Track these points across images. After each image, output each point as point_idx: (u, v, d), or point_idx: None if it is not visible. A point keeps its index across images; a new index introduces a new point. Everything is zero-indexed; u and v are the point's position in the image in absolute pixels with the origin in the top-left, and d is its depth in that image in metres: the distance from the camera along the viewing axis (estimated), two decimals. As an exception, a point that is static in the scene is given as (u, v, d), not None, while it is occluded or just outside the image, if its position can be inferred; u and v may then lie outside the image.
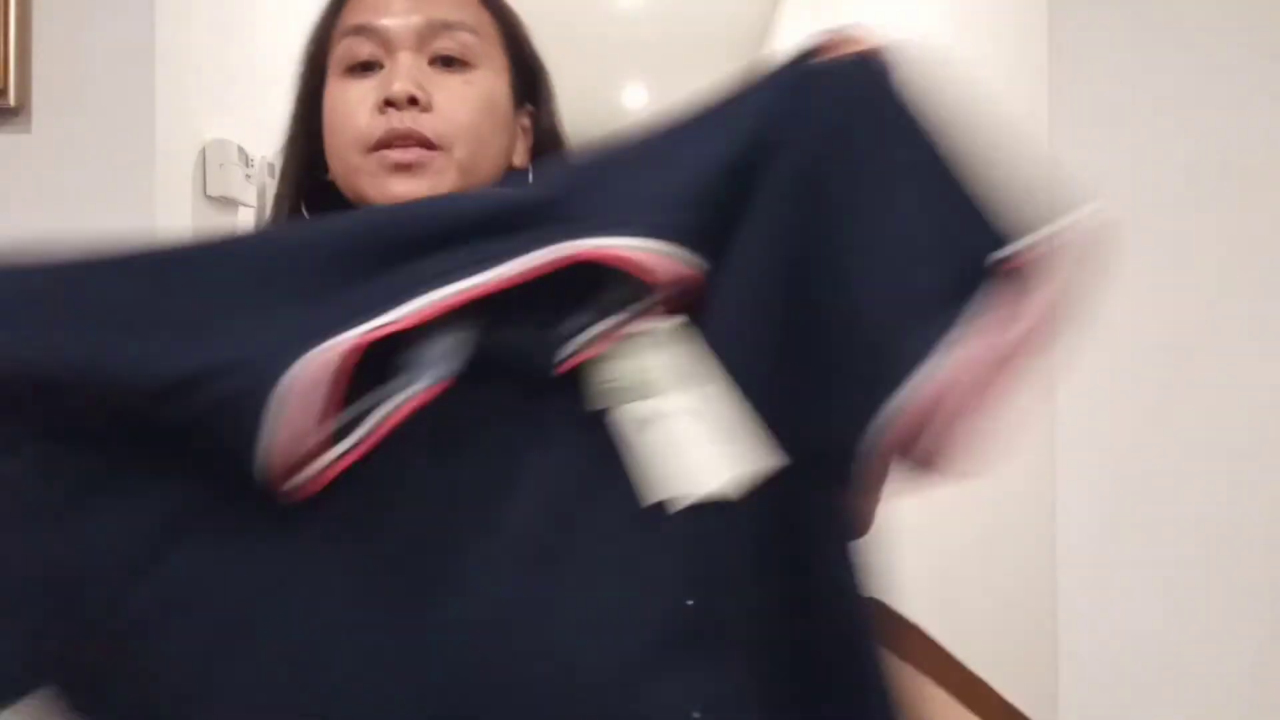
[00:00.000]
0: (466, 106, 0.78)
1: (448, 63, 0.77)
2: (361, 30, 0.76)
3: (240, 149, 1.48)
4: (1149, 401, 1.29)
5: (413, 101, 0.75)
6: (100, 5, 1.27)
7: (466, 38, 0.78)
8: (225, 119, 1.49)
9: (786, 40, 4.08)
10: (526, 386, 0.58)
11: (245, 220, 1.58)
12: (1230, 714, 1.28)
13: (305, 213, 0.79)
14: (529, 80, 0.83)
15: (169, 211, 1.32)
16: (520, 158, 0.82)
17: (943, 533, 1.88)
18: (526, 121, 0.82)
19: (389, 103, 0.74)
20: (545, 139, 0.84)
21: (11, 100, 1.25)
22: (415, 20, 0.76)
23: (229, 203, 1.49)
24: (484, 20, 0.80)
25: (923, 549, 2.02)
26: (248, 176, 1.51)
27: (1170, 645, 1.29)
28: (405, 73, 0.75)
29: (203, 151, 1.42)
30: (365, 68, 0.76)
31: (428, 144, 0.75)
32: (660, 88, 5.30)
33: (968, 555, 1.73)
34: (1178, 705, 1.29)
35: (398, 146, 0.75)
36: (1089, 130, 1.29)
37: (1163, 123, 1.28)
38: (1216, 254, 1.28)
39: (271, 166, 1.66)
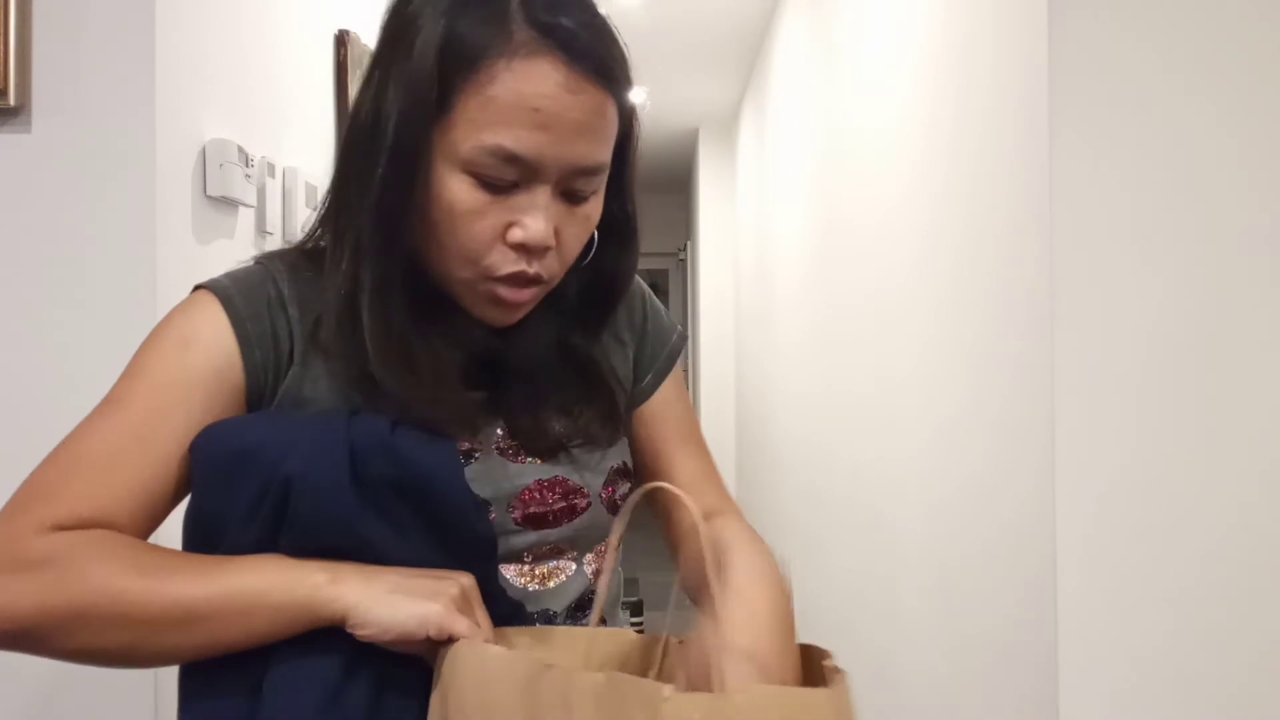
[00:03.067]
0: (579, 240, 0.79)
1: (573, 196, 0.76)
2: (514, 160, 0.71)
3: (240, 149, 1.48)
4: (1150, 406, 1.29)
5: (545, 249, 0.74)
6: (100, 5, 1.27)
7: (600, 177, 0.77)
8: (225, 119, 1.49)
9: (786, 40, 4.08)
10: None
11: (245, 220, 1.58)
12: None
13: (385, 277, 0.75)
14: (620, 159, 0.81)
15: (169, 211, 1.32)
16: None
17: (943, 544, 1.88)
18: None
19: (527, 247, 0.74)
20: (619, 221, 0.84)
21: (11, 100, 1.25)
22: (571, 164, 0.73)
23: (229, 203, 1.49)
24: (613, 137, 0.77)
25: (923, 562, 2.02)
26: (248, 176, 1.51)
27: (1173, 656, 1.29)
28: (546, 218, 0.73)
29: (202, 151, 1.42)
30: (496, 186, 0.72)
31: (540, 281, 0.77)
32: (660, 88, 5.30)
33: (968, 567, 1.73)
34: (1180, 716, 1.29)
35: (514, 285, 0.75)
36: (1089, 130, 1.29)
37: (1163, 123, 1.28)
38: (1219, 255, 1.28)
39: (271, 166, 1.66)
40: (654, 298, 0.95)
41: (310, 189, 1.82)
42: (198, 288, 0.79)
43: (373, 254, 0.75)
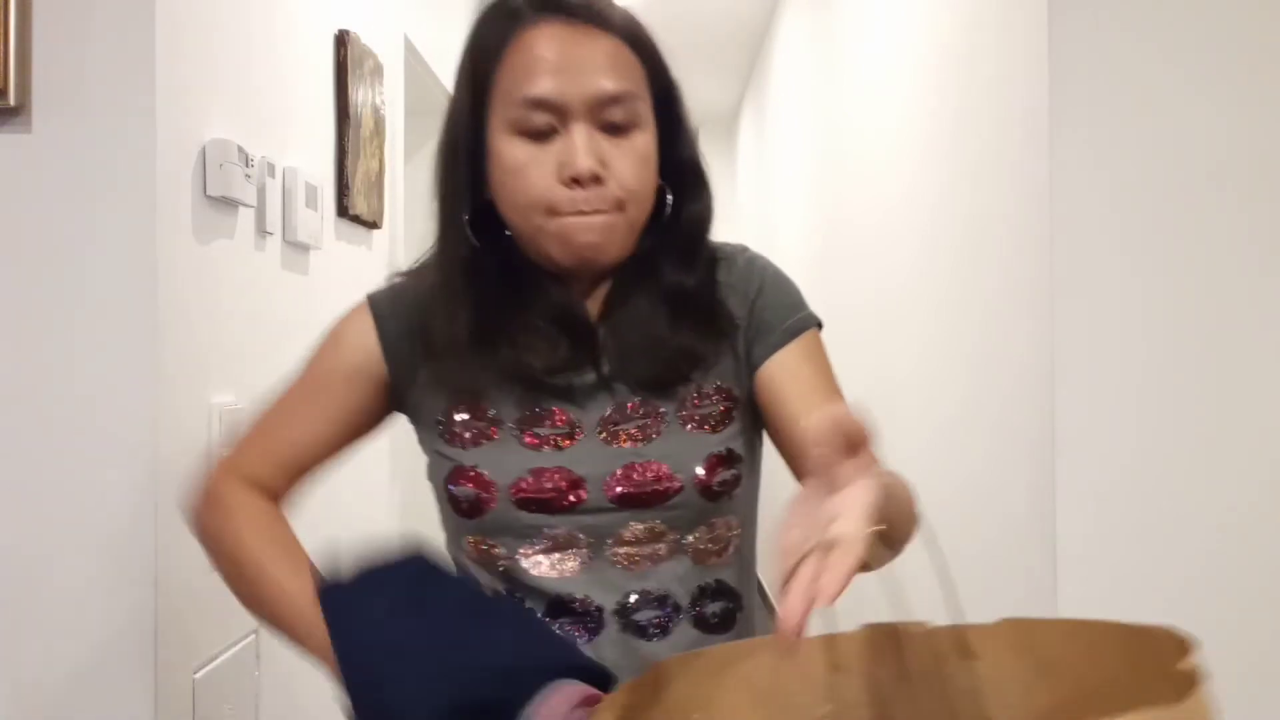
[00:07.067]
0: (634, 170, 0.86)
1: (615, 129, 0.85)
2: (541, 104, 0.82)
3: (240, 149, 1.48)
4: (1150, 406, 1.29)
5: (595, 178, 0.82)
6: (100, 5, 1.27)
7: (631, 105, 0.86)
8: (225, 119, 1.49)
9: (786, 40, 4.08)
10: None
11: (245, 220, 1.58)
12: None
13: (473, 238, 0.88)
14: (668, 114, 0.90)
15: (169, 211, 1.32)
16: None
17: (943, 544, 1.88)
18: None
19: (575, 180, 0.82)
20: (684, 168, 0.92)
21: (11, 100, 1.25)
22: (591, 94, 0.83)
23: (229, 203, 1.49)
24: (639, 76, 0.87)
25: (922, 559, 2.02)
26: (248, 176, 1.51)
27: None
28: (586, 148, 0.82)
29: (203, 151, 1.41)
30: (540, 134, 0.83)
31: (604, 209, 0.85)
32: (660, 88, 5.28)
33: (968, 567, 1.73)
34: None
35: (582, 214, 0.84)
36: (1089, 130, 1.29)
37: (1163, 123, 1.28)
38: (1219, 254, 1.28)
39: (271, 166, 1.66)
40: (780, 279, 0.97)
41: (310, 189, 1.82)
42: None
43: (467, 233, 0.87)
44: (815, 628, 0.66)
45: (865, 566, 0.59)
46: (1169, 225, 1.28)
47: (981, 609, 1.72)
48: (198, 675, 1.38)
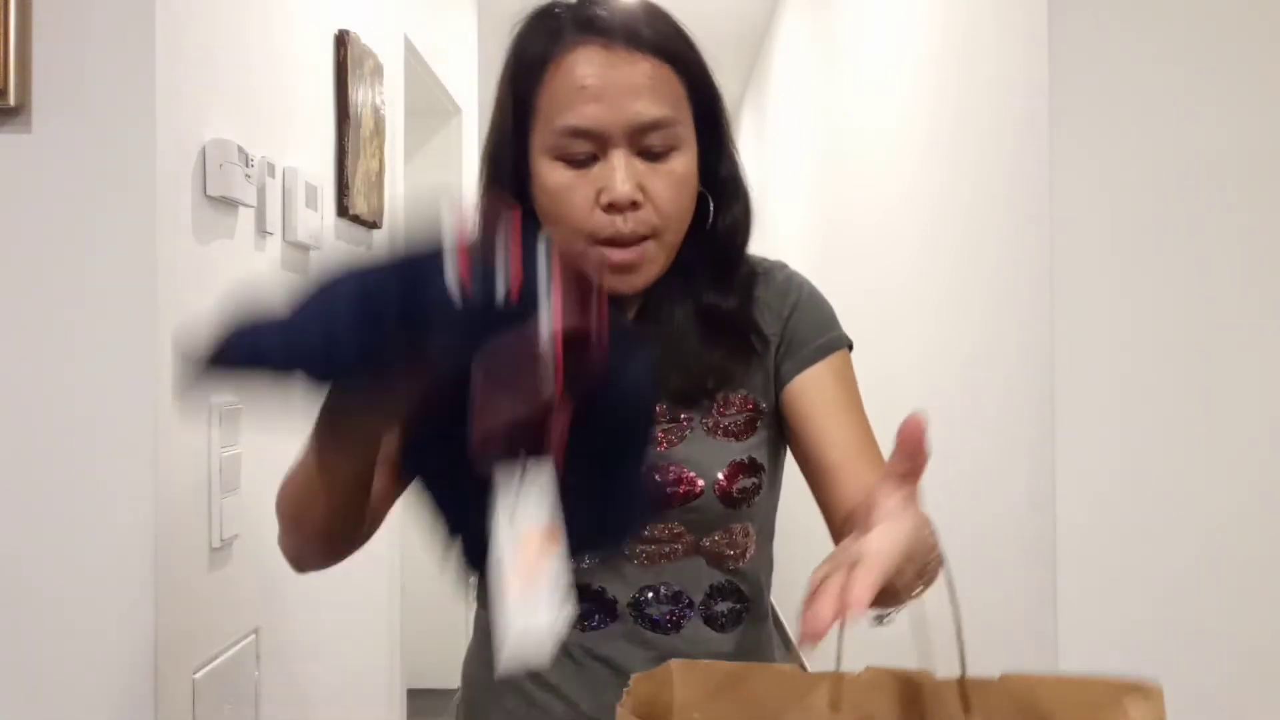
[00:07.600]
0: (672, 194, 0.86)
1: (653, 154, 0.85)
2: (580, 134, 0.82)
3: (240, 149, 1.48)
4: (1149, 404, 1.29)
5: (633, 204, 0.83)
6: (100, 5, 1.27)
7: (670, 130, 0.85)
8: (225, 119, 1.49)
9: (786, 40, 4.08)
10: None
11: (245, 220, 1.58)
12: None
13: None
14: (710, 128, 0.90)
15: (169, 211, 1.32)
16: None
17: (942, 544, 1.88)
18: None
19: (613, 205, 0.83)
20: (723, 180, 0.92)
21: (11, 100, 1.25)
22: (630, 122, 0.83)
23: (229, 203, 1.49)
24: (679, 97, 0.87)
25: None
26: (248, 176, 1.51)
27: (1172, 655, 1.29)
28: (625, 174, 0.83)
29: (202, 151, 1.41)
30: (579, 161, 0.84)
31: (644, 237, 0.85)
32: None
33: (968, 567, 1.73)
34: (1178, 713, 1.29)
35: (619, 245, 0.84)
36: (1089, 130, 1.29)
37: (1163, 122, 1.28)
38: (1218, 254, 1.28)
39: (271, 166, 1.66)
40: (815, 298, 0.98)
41: (310, 189, 1.82)
42: None
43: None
44: (821, 665, 0.66)
45: (895, 596, 0.62)
46: (1169, 225, 1.28)
47: (981, 609, 1.72)
48: (198, 675, 1.38)
